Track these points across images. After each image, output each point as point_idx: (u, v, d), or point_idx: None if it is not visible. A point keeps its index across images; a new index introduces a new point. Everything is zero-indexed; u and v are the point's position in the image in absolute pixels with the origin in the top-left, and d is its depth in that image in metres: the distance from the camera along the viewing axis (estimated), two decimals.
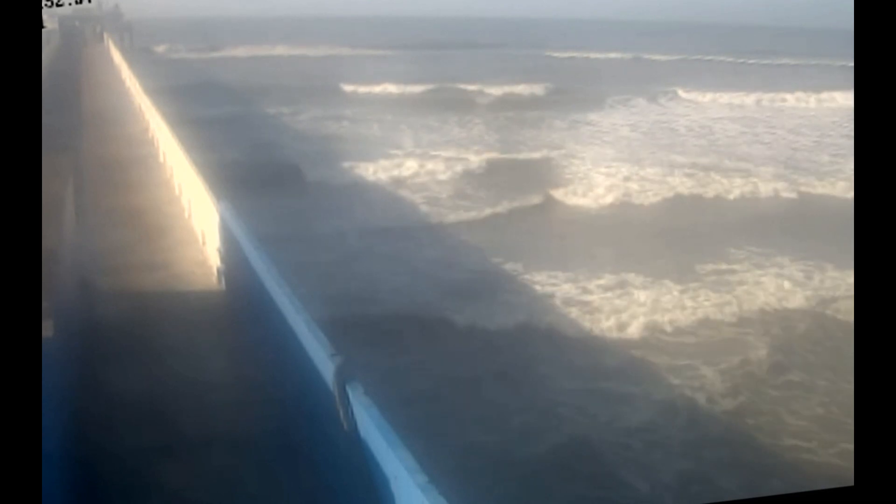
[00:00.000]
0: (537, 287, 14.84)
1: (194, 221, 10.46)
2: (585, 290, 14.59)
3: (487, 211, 20.82)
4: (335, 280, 14.58)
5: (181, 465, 5.16)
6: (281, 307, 5.68)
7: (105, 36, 57.47)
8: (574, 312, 13.61)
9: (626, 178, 24.39)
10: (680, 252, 16.73)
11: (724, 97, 46.69)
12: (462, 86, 47.84)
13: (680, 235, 18.46)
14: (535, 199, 22.03)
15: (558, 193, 22.67)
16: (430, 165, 25.09)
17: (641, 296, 14.22)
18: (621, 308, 13.76)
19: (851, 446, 9.70)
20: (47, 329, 3.83)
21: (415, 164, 25.09)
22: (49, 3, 12.12)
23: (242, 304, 7.53)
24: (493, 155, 27.70)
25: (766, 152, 30.82)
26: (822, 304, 14.27)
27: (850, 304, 13.34)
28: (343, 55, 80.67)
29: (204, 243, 9.60)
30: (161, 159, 14.98)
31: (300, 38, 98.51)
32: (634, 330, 12.99)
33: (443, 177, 24.08)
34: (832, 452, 9.64)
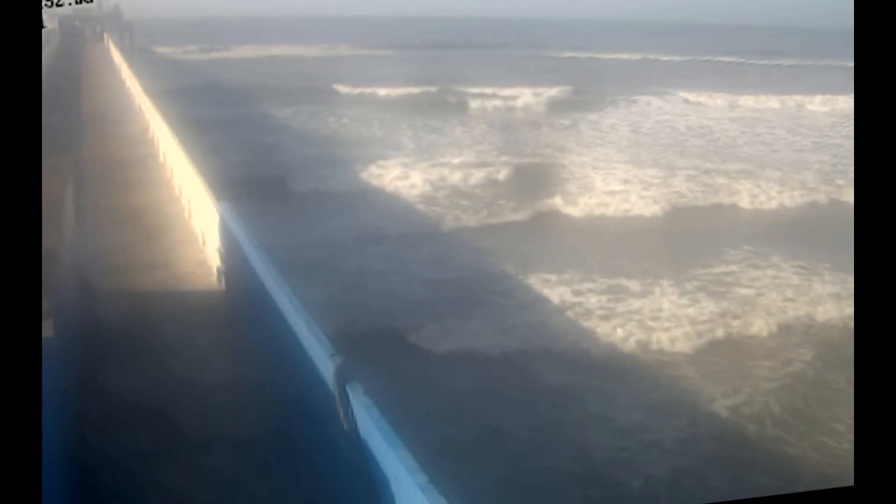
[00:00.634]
0: (546, 293, 14.71)
1: (194, 221, 10.46)
2: (601, 297, 14.50)
3: (491, 216, 20.59)
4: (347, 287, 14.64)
5: (181, 466, 5.16)
6: (281, 307, 5.68)
7: (105, 36, 57.48)
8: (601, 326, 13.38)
9: (630, 182, 24.06)
10: (692, 257, 16.63)
11: (725, 98, 46.48)
12: (463, 87, 47.58)
13: (686, 241, 18.29)
14: (539, 204, 21.73)
15: (561, 196, 22.38)
16: (431, 168, 24.75)
17: (664, 303, 14.10)
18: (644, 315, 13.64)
19: (829, 440, 9.87)
20: (47, 329, 3.83)
21: (417, 167, 24.78)
22: (49, 3, 12.11)
23: (242, 304, 7.53)
24: (495, 157, 27.48)
25: (770, 154, 30.50)
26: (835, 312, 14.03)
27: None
28: (343, 55, 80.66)
29: (204, 243, 9.60)
30: (161, 159, 14.98)
31: (301, 38, 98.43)
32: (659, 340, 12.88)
33: (446, 180, 23.69)
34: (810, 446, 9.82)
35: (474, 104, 42.41)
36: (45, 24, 35.52)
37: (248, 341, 6.99)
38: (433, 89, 46.48)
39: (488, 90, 46.11)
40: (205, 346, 7.03)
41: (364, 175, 24.18)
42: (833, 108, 42.78)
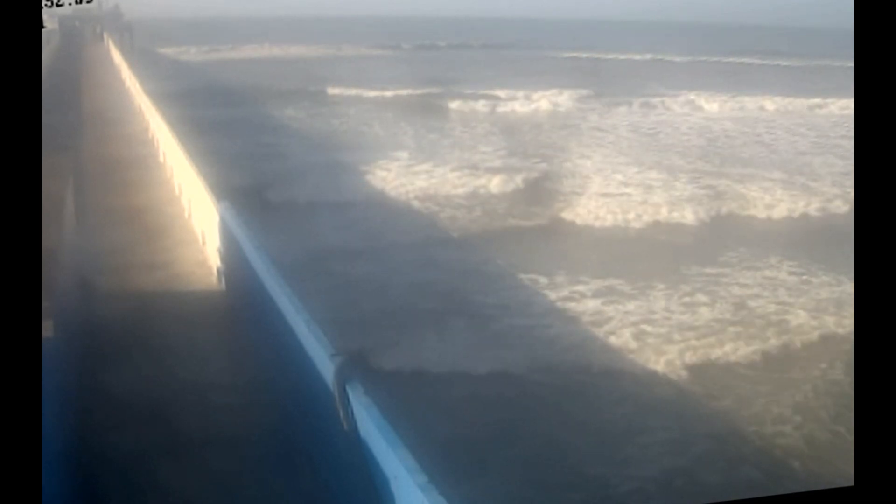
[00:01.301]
0: (553, 299, 14.54)
1: (194, 221, 10.46)
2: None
3: (495, 220, 20.30)
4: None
5: (181, 465, 5.16)
6: (281, 307, 5.68)
7: (105, 36, 57.48)
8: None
9: (633, 185, 23.67)
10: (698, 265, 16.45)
11: (725, 99, 46.20)
12: (463, 89, 47.41)
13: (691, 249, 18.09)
14: (548, 210, 21.24)
15: (564, 201, 21.97)
16: (434, 171, 24.46)
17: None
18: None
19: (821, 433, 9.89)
20: (47, 329, 3.83)
21: (418, 171, 24.52)
22: (49, 3, 12.13)
23: (242, 304, 7.53)
24: (496, 160, 27.23)
25: (773, 156, 30.22)
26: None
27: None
28: (344, 56, 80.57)
29: (204, 243, 9.60)
30: (161, 159, 14.99)
31: (302, 38, 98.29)
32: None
33: (448, 184, 23.26)
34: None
35: (474, 106, 42.06)
36: (45, 24, 35.56)
37: (248, 341, 6.99)
38: (435, 91, 46.31)
39: (488, 92, 45.90)
40: (205, 346, 7.03)
41: (366, 178, 23.91)
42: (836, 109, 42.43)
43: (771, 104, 44.84)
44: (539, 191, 23.11)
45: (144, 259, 9.34)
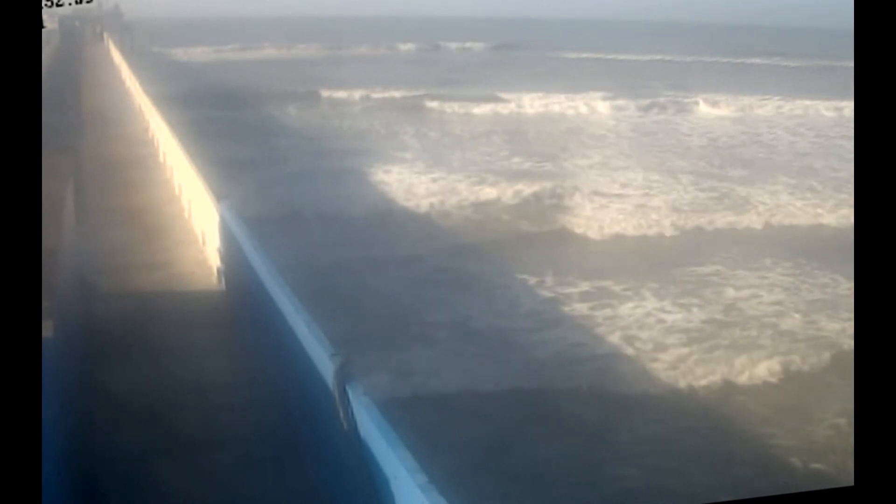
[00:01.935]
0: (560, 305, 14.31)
1: (194, 221, 10.46)
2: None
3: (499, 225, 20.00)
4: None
5: (181, 466, 5.16)
6: (281, 307, 5.68)
7: (105, 36, 57.49)
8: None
9: (635, 187, 23.38)
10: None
11: (726, 100, 46.01)
12: (464, 90, 47.22)
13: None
14: (549, 214, 20.91)
15: (570, 205, 21.53)
16: (439, 176, 24.17)
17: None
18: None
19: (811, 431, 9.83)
20: (47, 329, 3.83)
21: (423, 174, 24.27)
22: (49, 3, 12.13)
23: (242, 304, 7.53)
24: (499, 162, 27.13)
25: (774, 158, 30.06)
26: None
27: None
28: (347, 56, 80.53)
29: (204, 243, 9.60)
30: (161, 159, 15.00)
31: (304, 39, 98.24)
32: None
33: (454, 190, 22.75)
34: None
35: (475, 108, 41.84)
36: (45, 24, 35.51)
37: (248, 341, 6.99)
38: (432, 92, 46.01)
39: (489, 93, 45.75)
40: (205, 346, 7.03)
41: (370, 181, 23.71)
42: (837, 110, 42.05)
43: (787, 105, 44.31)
44: (543, 195, 22.55)
45: (144, 259, 9.34)
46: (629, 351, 12.55)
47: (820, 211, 21.46)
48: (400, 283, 14.95)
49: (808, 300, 14.75)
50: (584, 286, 15.10)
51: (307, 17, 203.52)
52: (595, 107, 42.49)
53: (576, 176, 25.19)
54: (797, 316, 13.91)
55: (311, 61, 71.40)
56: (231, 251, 7.88)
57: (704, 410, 10.79)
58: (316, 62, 70.06)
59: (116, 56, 39.56)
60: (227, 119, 33.78)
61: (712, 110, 43.28)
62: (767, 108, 43.91)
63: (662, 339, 12.92)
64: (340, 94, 44.88)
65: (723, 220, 20.49)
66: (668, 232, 19.63)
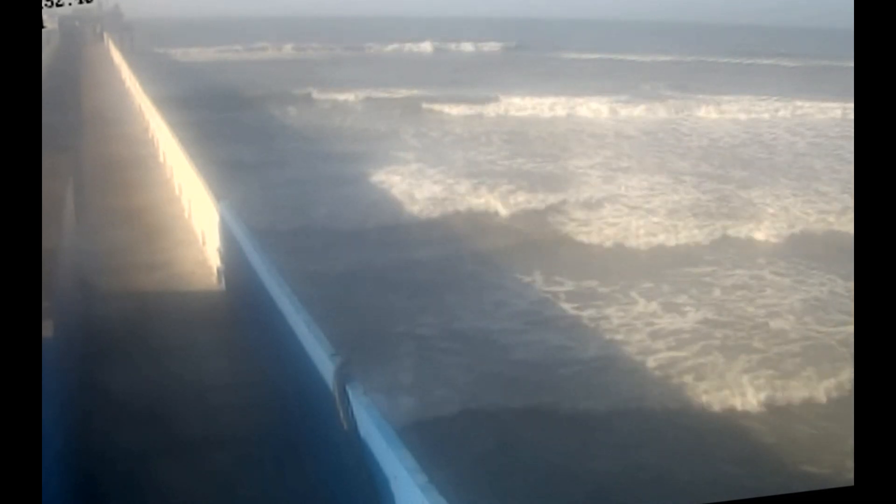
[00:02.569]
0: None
1: (194, 221, 10.47)
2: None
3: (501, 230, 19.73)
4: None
5: (181, 466, 5.16)
6: (281, 307, 5.69)
7: (105, 36, 57.52)
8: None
9: (637, 190, 23.16)
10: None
11: (725, 100, 45.91)
12: (463, 91, 47.10)
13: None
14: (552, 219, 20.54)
15: (573, 209, 21.10)
16: (441, 178, 23.95)
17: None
18: None
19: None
20: (47, 329, 3.83)
21: (424, 175, 24.07)
22: (49, 3, 12.12)
23: (242, 304, 7.54)
24: (500, 164, 27.00)
25: (775, 158, 29.89)
26: None
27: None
28: (347, 56, 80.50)
29: (204, 243, 9.60)
30: (161, 159, 15.00)
31: (305, 39, 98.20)
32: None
33: (456, 192, 22.48)
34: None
35: (475, 109, 41.69)
36: (45, 24, 35.55)
37: (248, 341, 6.99)
38: (421, 93, 45.87)
39: (489, 94, 45.66)
40: (205, 346, 7.03)
41: (373, 180, 23.58)
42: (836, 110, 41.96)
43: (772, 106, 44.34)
44: (543, 197, 22.19)
45: (144, 259, 9.34)
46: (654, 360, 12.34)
47: (825, 213, 21.34)
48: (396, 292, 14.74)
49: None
50: (602, 289, 14.94)
51: (307, 17, 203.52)
52: (595, 107, 42.43)
53: (576, 177, 25.14)
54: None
55: (311, 62, 71.36)
56: (231, 251, 7.89)
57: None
58: (317, 62, 70.05)
59: (116, 56, 39.57)
60: (227, 120, 33.71)
61: (714, 110, 43.15)
62: (768, 108, 43.83)
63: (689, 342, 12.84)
64: (340, 94, 44.83)
65: (722, 222, 20.28)
66: (670, 233, 19.41)
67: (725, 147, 32.47)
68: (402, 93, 45.67)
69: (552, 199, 21.93)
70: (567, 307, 14.31)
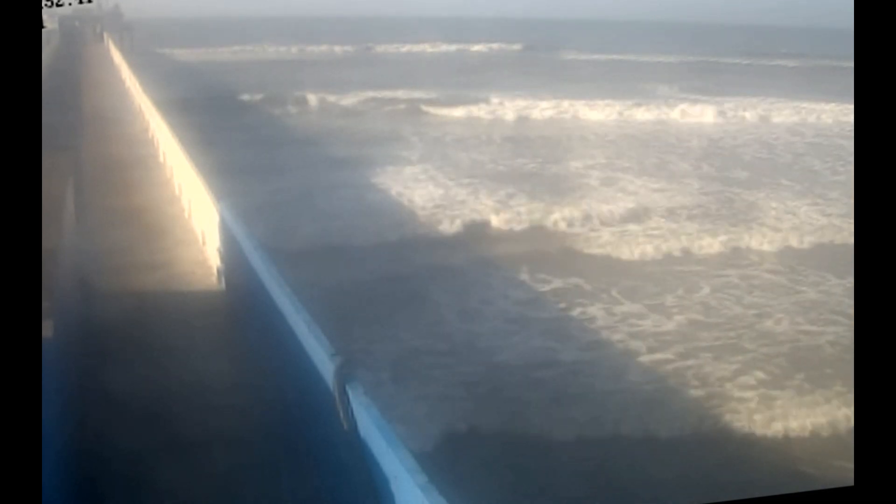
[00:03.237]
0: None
1: (194, 221, 10.47)
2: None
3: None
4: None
5: (181, 466, 5.16)
6: (281, 307, 5.68)
7: (105, 36, 57.52)
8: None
9: (640, 193, 22.96)
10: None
11: (724, 101, 45.79)
12: (463, 92, 46.99)
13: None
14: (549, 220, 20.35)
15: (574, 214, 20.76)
16: (434, 176, 24.04)
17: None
18: None
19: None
20: (47, 329, 3.83)
21: (419, 178, 23.97)
22: (49, 3, 12.13)
23: (242, 304, 7.53)
24: (498, 165, 26.95)
25: (775, 159, 29.84)
26: None
27: None
28: (349, 57, 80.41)
29: (204, 243, 9.60)
30: (161, 159, 15.00)
31: (306, 39, 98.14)
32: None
33: (449, 192, 22.46)
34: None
35: (475, 111, 41.66)
36: (45, 24, 35.53)
37: (248, 341, 6.99)
38: (421, 95, 45.80)
39: (488, 95, 45.54)
40: (205, 346, 7.03)
41: (375, 181, 23.53)
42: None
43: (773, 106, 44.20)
44: (543, 199, 21.99)
45: (144, 259, 9.34)
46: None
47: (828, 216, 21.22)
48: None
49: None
50: (626, 299, 14.82)
51: (305, 17, 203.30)
52: (594, 107, 42.38)
53: (576, 177, 25.10)
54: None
55: (311, 62, 71.30)
56: (231, 251, 7.89)
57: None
58: (317, 63, 70.00)
59: (116, 56, 39.57)
60: (226, 121, 33.70)
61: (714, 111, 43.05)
62: (768, 108, 43.76)
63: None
64: (338, 96, 44.81)
65: (721, 225, 20.17)
66: (670, 234, 19.34)
67: (727, 147, 32.44)
68: (403, 95, 45.62)
69: (555, 205, 21.47)
70: (589, 313, 14.25)
